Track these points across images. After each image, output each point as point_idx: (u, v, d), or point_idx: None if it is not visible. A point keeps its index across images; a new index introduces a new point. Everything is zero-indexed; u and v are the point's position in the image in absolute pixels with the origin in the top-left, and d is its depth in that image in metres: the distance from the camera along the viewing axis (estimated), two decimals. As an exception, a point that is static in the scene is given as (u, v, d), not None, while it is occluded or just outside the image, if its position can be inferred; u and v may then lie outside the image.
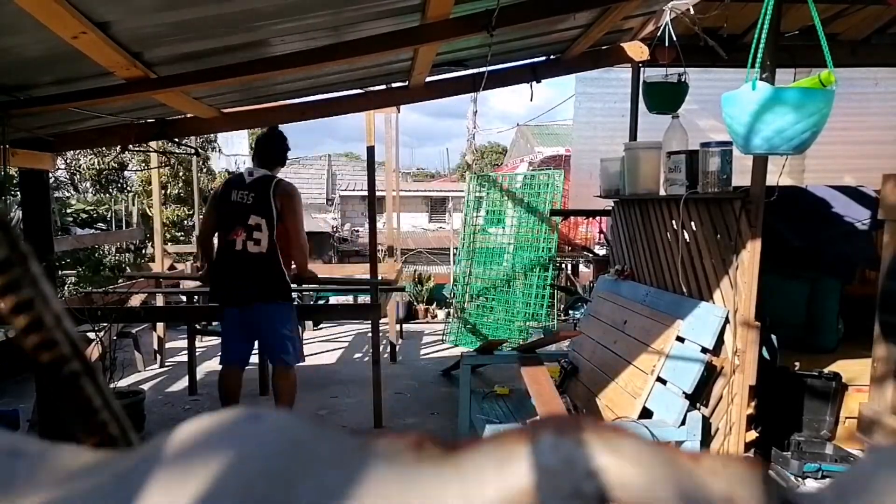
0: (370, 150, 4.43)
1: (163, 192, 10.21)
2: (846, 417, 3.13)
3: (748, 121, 2.14)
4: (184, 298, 5.90)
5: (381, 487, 0.28)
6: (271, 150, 3.66)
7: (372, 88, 3.95)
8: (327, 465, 0.29)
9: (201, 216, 9.03)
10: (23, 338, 0.34)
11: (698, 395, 2.90)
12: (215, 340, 6.68)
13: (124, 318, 4.80)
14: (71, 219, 7.22)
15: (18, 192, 4.04)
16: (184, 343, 5.51)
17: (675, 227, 3.27)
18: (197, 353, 5.27)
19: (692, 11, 3.42)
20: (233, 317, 3.59)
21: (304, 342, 6.30)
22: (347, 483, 0.28)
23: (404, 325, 7.16)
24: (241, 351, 3.66)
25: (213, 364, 5.99)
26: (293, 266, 3.69)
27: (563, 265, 6.94)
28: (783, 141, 2.13)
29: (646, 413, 2.94)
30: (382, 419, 4.17)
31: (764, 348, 2.99)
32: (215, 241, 3.67)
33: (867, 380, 2.90)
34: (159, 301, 6.10)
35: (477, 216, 7.05)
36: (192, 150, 6.20)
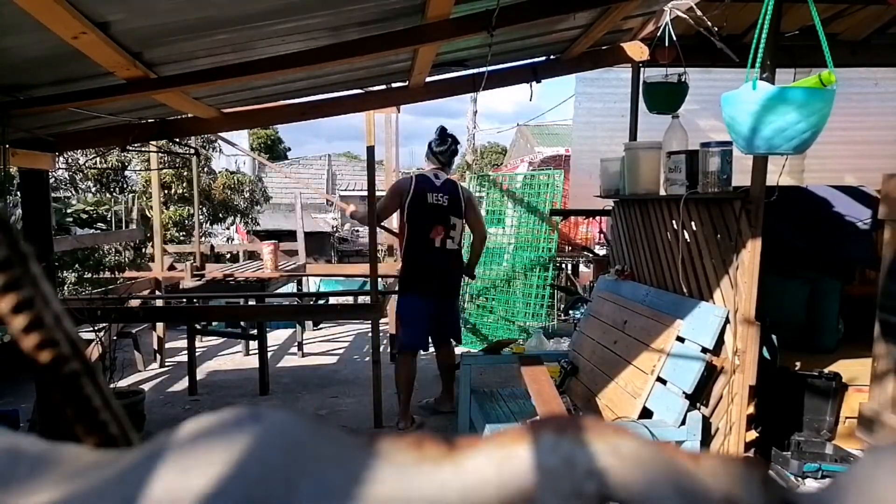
0: (370, 150, 4.42)
1: (166, 192, 10.23)
2: (846, 417, 3.13)
3: (748, 121, 2.14)
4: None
5: (381, 487, 0.28)
6: (447, 152, 4.24)
7: (372, 88, 3.95)
8: (327, 464, 0.29)
9: (201, 216, 9.05)
10: (23, 338, 0.34)
11: (698, 395, 2.90)
12: (215, 340, 6.69)
13: (124, 318, 4.81)
14: (71, 219, 7.21)
15: (18, 192, 4.04)
16: (184, 343, 5.51)
17: (675, 227, 3.27)
18: (197, 353, 5.27)
19: (698, 12, 3.39)
20: (427, 306, 4.10)
21: (305, 342, 6.33)
22: (348, 483, 0.28)
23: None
24: (425, 336, 4.22)
25: (214, 364, 6.00)
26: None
27: (563, 265, 6.94)
28: (784, 141, 2.13)
29: (646, 413, 2.94)
30: (382, 419, 4.17)
31: (764, 348, 2.99)
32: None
33: (867, 380, 2.90)
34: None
35: (477, 216, 7.04)
36: (192, 151, 6.20)
